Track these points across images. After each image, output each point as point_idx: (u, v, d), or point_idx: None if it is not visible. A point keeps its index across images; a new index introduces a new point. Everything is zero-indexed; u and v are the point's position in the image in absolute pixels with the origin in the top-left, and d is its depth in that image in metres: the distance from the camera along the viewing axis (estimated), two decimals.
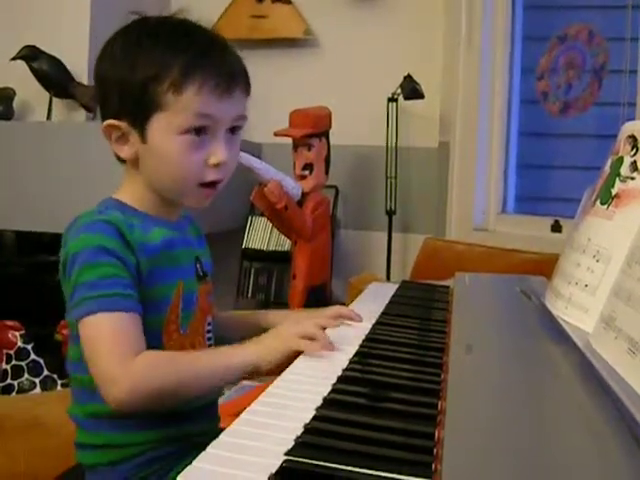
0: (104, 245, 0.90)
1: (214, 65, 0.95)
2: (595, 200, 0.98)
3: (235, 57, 1.00)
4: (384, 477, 0.56)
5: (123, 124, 0.96)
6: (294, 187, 2.90)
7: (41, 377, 2.41)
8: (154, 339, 0.95)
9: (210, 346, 1.07)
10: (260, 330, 0.98)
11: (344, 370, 0.84)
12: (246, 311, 1.31)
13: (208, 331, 1.07)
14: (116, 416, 0.93)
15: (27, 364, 2.40)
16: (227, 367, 0.91)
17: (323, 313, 1.12)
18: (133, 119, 0.95)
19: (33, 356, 2.42)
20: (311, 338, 0.92)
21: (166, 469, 0.93)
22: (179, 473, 0.56)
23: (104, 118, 0.98)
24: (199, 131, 0.95)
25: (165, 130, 0.94)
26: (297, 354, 0.91)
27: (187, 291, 1.01)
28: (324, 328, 1.05)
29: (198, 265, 1.06)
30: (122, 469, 0.95)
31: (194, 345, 1.02)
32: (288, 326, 0.96)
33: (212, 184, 0.99)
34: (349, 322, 1.10)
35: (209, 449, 0.61)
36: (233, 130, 0.99)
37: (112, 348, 0.86)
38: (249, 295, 3.32)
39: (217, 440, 0.63)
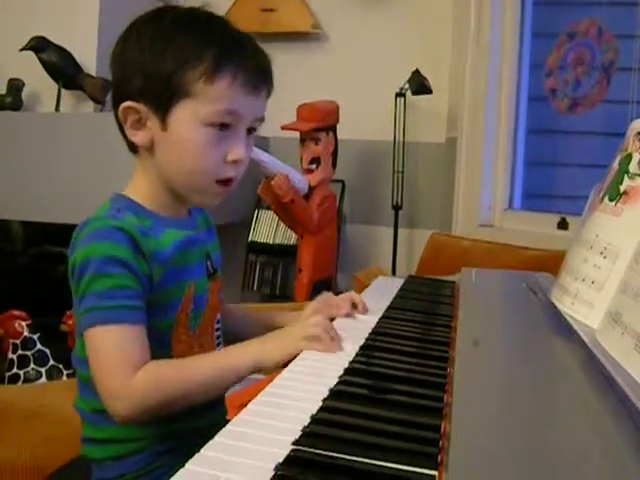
0: (115, 255, 0.89)
1: (247, 58, 0.94)
2: (603, 197, 0.98)
3: (265, 55, 0.99)
4: (390, 468, 0.56)
5: (143, 108, 0.94)
6: (301, 181, 2.90)
7: (47, 367, 2.42)
8: (163, 341, 0.95)
9: (219, 344, 1.06)
10: (274, 330, 0.98)
11: (351, 362, 0.84)
12: (260, 305, 1.31)
13: (217, 329, 1.06)
14: None
15: (33, 354, 2.41)
16: (231, 370, 0.90)
17: (335, 301, 1.12)
18: (156, 104, 0.93)
19: (39, 346, 2.43)
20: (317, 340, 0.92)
21: (174, 461, 0.93)
22: None
23: (120, 100, 0.95)
24: (222, 126, 0.94)
25: (190, 119, 0.93)
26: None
27: (198, 292, 1.00)
28: (332, 319, 1.05)
29: (208, 262, 1.05)
30: (129, 462, 0.94)
31: (202, 345, 1.01)
32: (296, 327, 0.95)
33: (226, 181, 0.98)
34: (356, 315, 1.10)
35: (217, 438, 0.61)
36: (250, 130, 0.98)
37: (115, 363, 0.86)
38: (254, 288, 3.33)
39: (224, 429, 0.63)
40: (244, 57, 0.94)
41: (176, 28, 0.94)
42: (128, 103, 0.94)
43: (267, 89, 0.98)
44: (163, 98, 0.93)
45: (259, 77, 0.96)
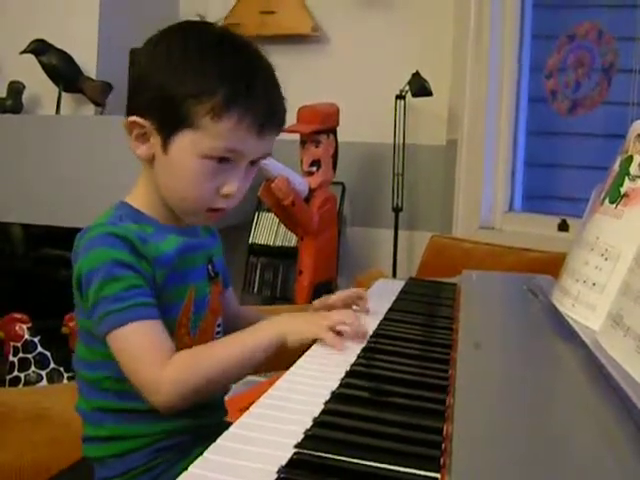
0: (118, 258, 0.89)
1: (257, 99, 0.93)
2: (604, 199, 0.98)
3: (278, 93, 0.98)
4: (393, 470, 0.56)
5: (148, 124, 0.94)
6: (301, 183, 2.90)
7: (48, 370, 2.42)
8: None
9: None
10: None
11: (352, 365, 0.84)
12: (262, 307, 1.31)
13: (217, 332, 1.07)
14: (123, 409, 0.94)
15: (34, 357, 2.41)
16: (258, 347, 0.91)
17: (342, 292, 1.15)
18: (161, 124, 0.93)
19: (40, 349, 2.44)
20: (339, 333, 0.93)
21: (175, 458, 0.94)
22: (189, 463, 0.56)
23: (130, 110, 0.96)
24: (222, 160, 0.93)
25: (189, 148, 0.92)
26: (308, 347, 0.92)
27: (199, 295, 1.00)
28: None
29: (210, 266, 1.05)
30: (130, 459, 0.95)
31: None
32: (319, 314, 0.98)
33: (217, 210, 0.98)
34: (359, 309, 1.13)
35: (219, 441, 0.61)
36: (254, 162, 0.98)
37: (149, 357, 0.88)
38: (255, 290, 3.33)
39: (227, 432, 0.63)
40: (255, 97, 0.93)
41: (195, 54, 0.93)
42: (135, 118, 0.94)
43: (276, 129, 0.98)
44: (169, 122, 0.93)
45: (267, 120, 0.95)
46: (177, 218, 1.01)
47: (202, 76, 0.91)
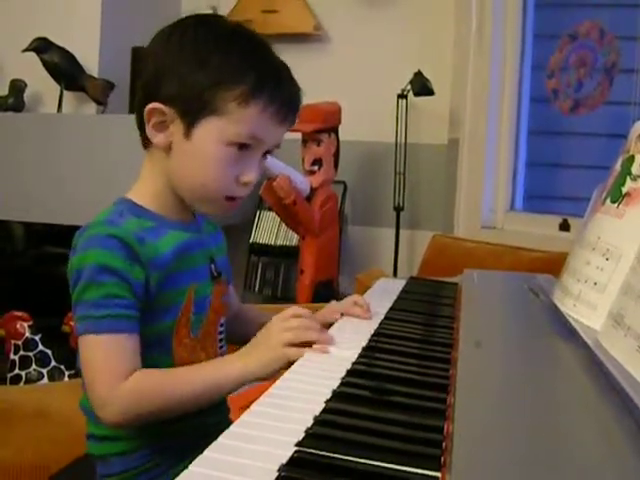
0: (108, 264, 0.90)
1: (283, 89, 0.96)
2: (605, 198, 0.98)
3: (298, 87, 1.01)
4: (393, 469, 0.56)
5: (170, 111, 0.94)
6: (302, 182, 2.90)
7: (49, 368, 2.42)
8: (164, 344, 0.96)
9: (221, 347, 1.07)
10: None
11: (353, 364, 0.84)
12: (264, 306, 1.30)
13: (220, 332, 1.06)
14: None
15: (35, 355, 2.41)
16: (219, 385, 0.91)
17: (339, 304, 1.14)
18: (184, 112, 0.94)
19: (41, 347, 2.44)
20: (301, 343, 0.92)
21: (178, 457, 0.94)
22: (191, 462, 0.56)
23: (147, 98, 0.95)
24: (242, 146, 0.95)
25: (214, 135, 0.94)
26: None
27: (200, 295, 1.00)
28: (330, 325, 1.07)
29: (212, 265, 1.05)
30: (133, 458, 0.95)
31: (205, 348, 1.02)
32: (273, 331, 0.94)
33: (234, 198, 0.99)
34: (361, 314, 1.11)
35: (220, 439, 0.62)
36: (265, 153, 1.00)
37: (102, 373, 0.89)
38: (256, 289, 3.33)
39: (228, 431, 0.64)
40: (280, 87, 0.96)
41: (220, 44, 0.95)
42: (156, 105, 0.95)
43: (292, 120, 1.00)
44: (193, 109, 0.94)
45: (289, 109, 0.97)
46: (183, 212, 1.02)
47: (229, 64, 0.93)
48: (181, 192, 0.99)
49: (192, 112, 0.94)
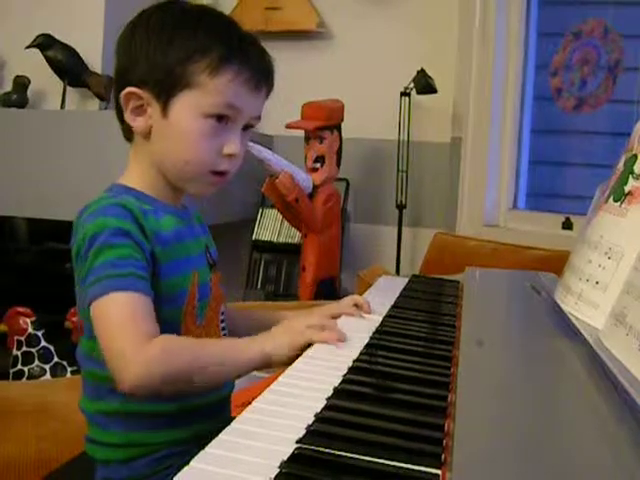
0: (122, 227, 0.89)
1: (252, 58, 0.97)
2: (608, 197, 0.98)
3: (269, 56, 1.02)
4: (394, 466, 0.56)
5: (145, 94, 0.95)
6: (305, 179, 2.90)
7: (51, 364, 2.42)
8: (172, 332, 0.93)
9: (224, 335, 1.07)
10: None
11: (355, 361, 0.84)
12: (255, 304, 1.31)
13: (222, 320, 1.07)
14: (127, 414, 0.93)
15: (37, 351, 2.42)
16: (237, 360, 0.90)
17: (337, 305, 1.13)
18: (159, 92, 0.95)
19: (44, 343, 2.44)
20: (321, 328, 0.93)
21: (182, 463, 0.93)
22: None
23: (122, 86, 0.96)
24: (221, 119, 0.96)
25: (191, 109, 0.94)
26: (308, 346, 0.91)
27: (202, 281, 1.00)
28: (338, 316, 1.08)
29: (208, 254, 1.06)
30: (136, 465, 0.94)
31: (209, 335, 1.02)
32: (297, 319, 0.97)
33: (221, 173, 0.99)
34: (361, 314, 1.11)
35: (221, 436, 0.62)
36: (245, 127, 1.00)
37: (128, 328, 0.85)
38: (258, 286, 3.33)
39: (229, 427, 0.64)
40: (249, 55, 0.97)
41: (185, 20, 0.97)
42: (132, 89, 0.95)
43: (267, 89, 1.01)
44: (166, 87, 0.94)
45: (261, 76, 0.98)
46: (174, 197, 1.02)
47: (195, 39, 0.95)
48: (168, 174, 0.99)
49: (166, 90, 0.95)
